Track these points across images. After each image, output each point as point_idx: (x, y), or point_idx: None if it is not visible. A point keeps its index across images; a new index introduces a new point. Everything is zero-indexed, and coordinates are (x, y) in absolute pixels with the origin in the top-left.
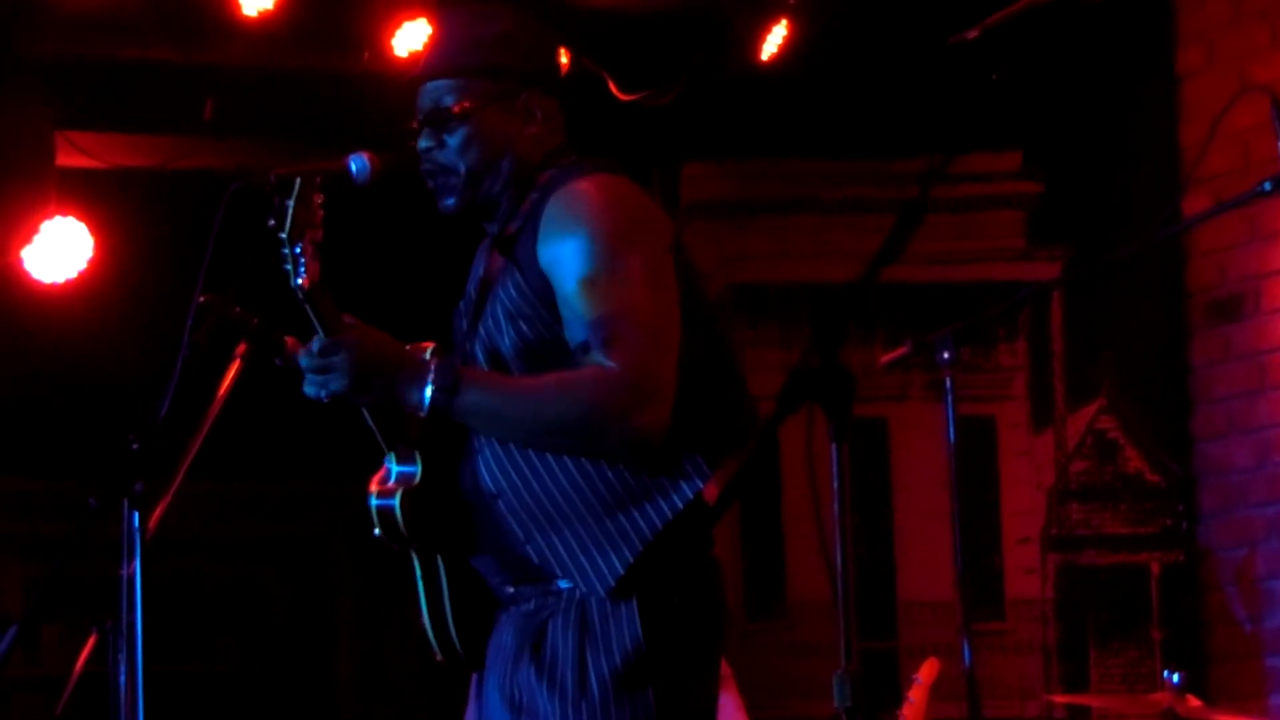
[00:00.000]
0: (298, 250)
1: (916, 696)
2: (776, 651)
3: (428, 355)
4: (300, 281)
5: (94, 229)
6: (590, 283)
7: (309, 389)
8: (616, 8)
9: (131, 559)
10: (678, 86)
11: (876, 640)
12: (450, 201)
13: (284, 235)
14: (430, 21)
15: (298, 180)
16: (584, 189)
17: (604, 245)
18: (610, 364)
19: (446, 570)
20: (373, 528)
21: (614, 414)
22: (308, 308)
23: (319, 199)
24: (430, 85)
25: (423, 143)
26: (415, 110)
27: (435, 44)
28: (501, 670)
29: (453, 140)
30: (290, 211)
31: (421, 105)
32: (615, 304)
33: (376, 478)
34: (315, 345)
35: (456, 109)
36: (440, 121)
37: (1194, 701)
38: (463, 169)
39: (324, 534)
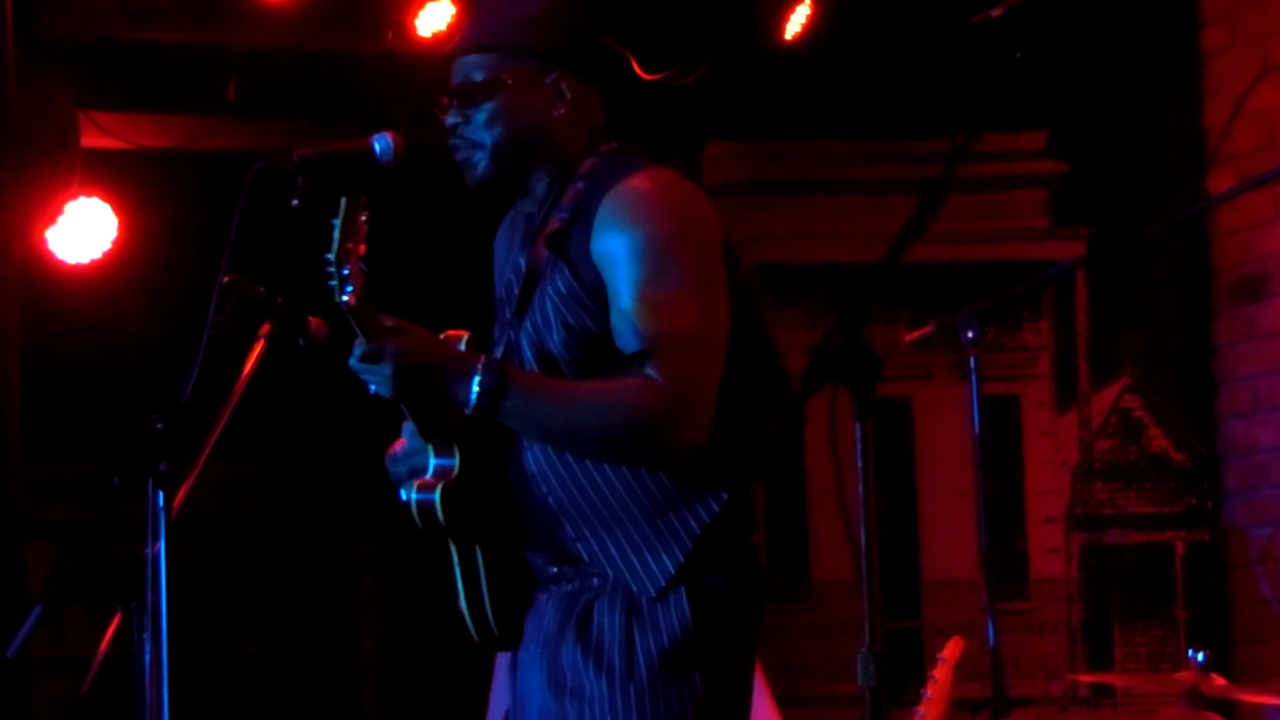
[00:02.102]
0: (345, 271)
1: (941, 675)
2: (801, 632)
3: (463, 345)
4: (346, 299)
5: (118, 209)
6: (643, 290)
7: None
8: None
9: (156, 539)
10: (701, 66)
11: (901, 620)
12: (475, 173)
13: (330, 256)
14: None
15: (343, 200)
16: (641, 188)
17: (658, 251)
18: (657, 378)
19: (484, 558)
20: (403, 508)
21: (654, 432)
22: (350, 319)
23: (364, 215)
24: (460, 61)
25: (450, 118)
26: (447, 87)
27: (468, 20)
28: (543, 651)
29: (479, 115)
30: (337, 231)
31: (451, 81)
32: (666, 319)
33: (392, 449)
34: (357, 351)
35: (483, 84)
36: (467, 96)
37: (1219, 680)
38: (488, 143)
39: (348, 514)
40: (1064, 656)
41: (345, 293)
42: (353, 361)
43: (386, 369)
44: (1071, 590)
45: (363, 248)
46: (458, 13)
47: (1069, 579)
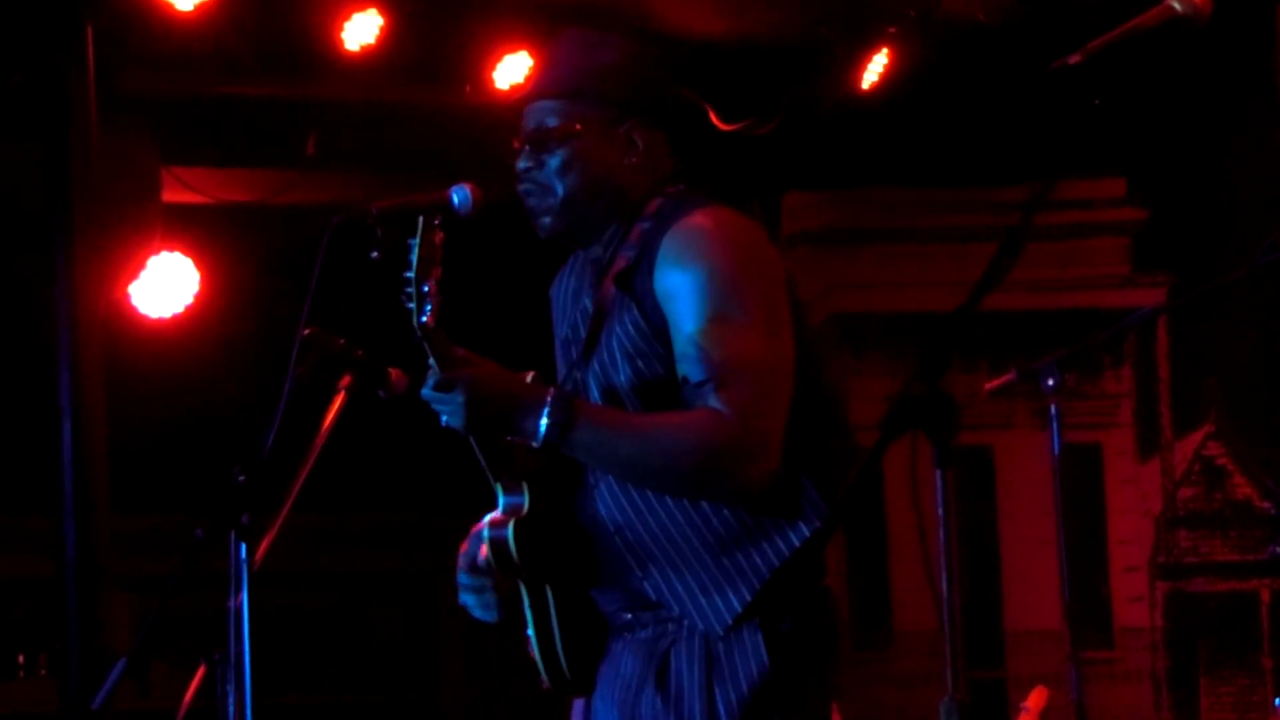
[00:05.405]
0: (425, 289)
1: None
2: (883, 682)
3: (529, 381)
4: (425, 320)
5: (199, 264)
6: (707, 323)
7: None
8: (717, 38)
9: (239, 591)
10: (778, 116)
11: (984, 670)
12: (546, 222)
13: (410, 274)
14: (541, 47)
15: (420, 218)
16: (702, 224)
17: (722, 285)
18: (724, 410)
19: (555, 597)
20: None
21: (724, 463)
22: (425, 344)
23: (440, 237)
24: (535, 105)
25: (522, 163)
26: (520, 131)
27: (545, 66)
28: (620, 699)
29: (552, 161)
30: (416, 249)
31: (525, 126)
32: (732, 348)
33: (465, 545)
34: (430, 381)
35: (557, 130)
36: (540, 142)
37: None
38: (560, 191)
39: (428, 566)
40: (1149, 706)
41: (425, 313)
42: (425, 391)
43: (459, 399)
44: (1156, 639)
45: (439, 270)
46: (536, 62)
47: (1153, 628)
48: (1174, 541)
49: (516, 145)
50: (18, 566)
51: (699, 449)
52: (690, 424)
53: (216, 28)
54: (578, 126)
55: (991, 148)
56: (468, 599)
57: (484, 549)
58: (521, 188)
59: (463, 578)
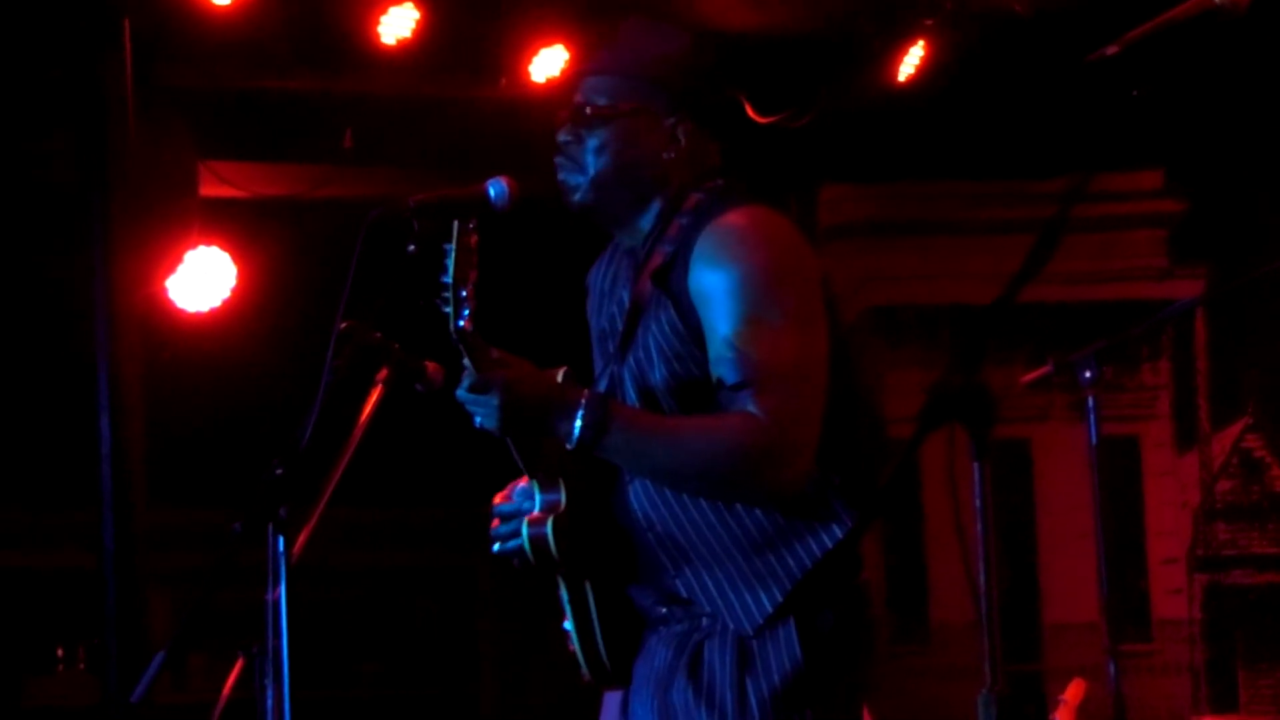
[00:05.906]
0: (463, 294)
1: (1063, 718)
2: (920, 674)
3: (559, 379)
4: (462, 324)
5: (237, 258)
6: (742, 325)
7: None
8: (753, 30)
9: (276, 584)
10: (814, 109)
11: (1022, 662)
12: (574, 198)
13: (447, 279)
14: (598, 31)
15: (455, 222)
16: (736, 223)
17: (756, 286)
18: (758, 414)
19: (594, 592)
20: (495, 551)
21: (759, 468)
22: (461, 347)
23: (475, 239)
24: (588, 81)
25: (563, 135)
26: (569, 104)
27: (608, 43)
28: (654, 691)
29: (591, 139)
30: (452, 254)
31: (574, 99)
32: (767, 350)
33: (500, 496)
34: (466, 383)
35: (603, 108)
36: (585, 117)
37: None
38: (591, 170)
39: (467, 560)
40: (1188, 698)
41: (462, 317)
42: (460, 392)
43: (495, 400)
44: (1194, 632)
45: (475, 273)
46: (611, 37)
47: (1191, 620)
48: (1212, 534)
49: (563, 117)
50: (57, 560)
51: (734, 454)
52: (725, 428)
53: (253, 22)
54: (624, 108)
55: (1028, 140)
56: (497, 531)
57: (522, 482)
58: (557, 159)
59: (497, 508)
